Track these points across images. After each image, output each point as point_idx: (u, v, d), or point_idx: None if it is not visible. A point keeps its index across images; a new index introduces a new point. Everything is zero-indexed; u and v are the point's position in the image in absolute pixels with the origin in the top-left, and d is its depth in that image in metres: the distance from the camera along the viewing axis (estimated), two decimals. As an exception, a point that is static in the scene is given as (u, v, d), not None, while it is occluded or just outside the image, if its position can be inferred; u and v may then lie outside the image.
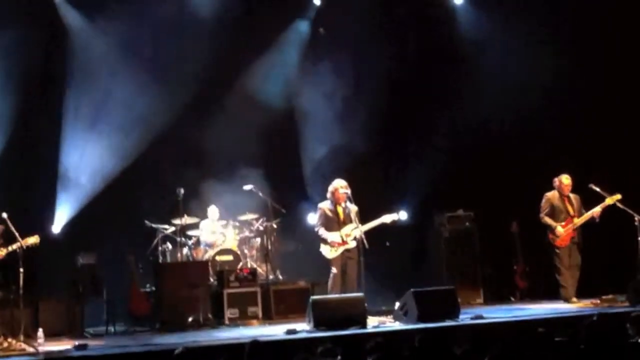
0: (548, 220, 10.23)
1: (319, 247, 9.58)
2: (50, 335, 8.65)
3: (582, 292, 10.14)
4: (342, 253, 9.46)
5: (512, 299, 11.57)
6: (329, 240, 9.45)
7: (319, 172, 12.01)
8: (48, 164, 10.98)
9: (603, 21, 11.38)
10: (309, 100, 12.14)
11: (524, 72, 11.45)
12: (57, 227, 10.92)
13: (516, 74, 11.46)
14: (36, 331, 8.37)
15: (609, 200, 9.98)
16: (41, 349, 8.00)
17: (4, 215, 8.53)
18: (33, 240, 8.53)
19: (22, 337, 8.31)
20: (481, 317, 8.85)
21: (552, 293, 10.45)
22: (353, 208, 9.52)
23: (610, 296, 9.83)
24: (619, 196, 9.97)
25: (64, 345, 8.30)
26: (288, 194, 11.81)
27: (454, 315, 8.71)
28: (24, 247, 8.41)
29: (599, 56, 11.43)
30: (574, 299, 10.04)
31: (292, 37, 12.54)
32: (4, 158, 10.56)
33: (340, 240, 9.44)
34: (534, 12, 11.74)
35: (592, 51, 11.43)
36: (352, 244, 9.42)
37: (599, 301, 9.75)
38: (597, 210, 10.04)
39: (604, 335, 5.46)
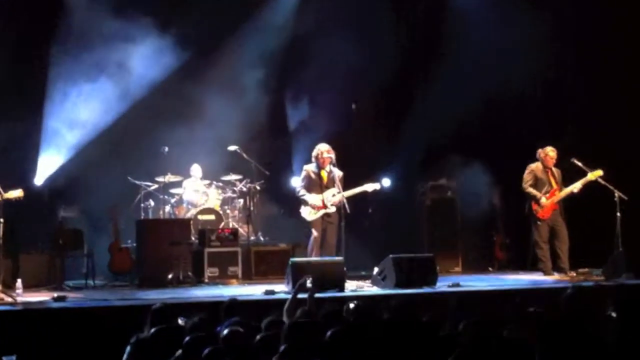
0: (532, 190, 10.08)
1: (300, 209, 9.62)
2: (29, 287, 8.67)
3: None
4: (322, 217, 9.49)
5: (490, 269, 11.71)
6: (309, 203, 9.48)
7: (305, 137, 11.99)
8: (32, 116, 10.88)
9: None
10: (299, 65, 12.05)
11: (508, 41, 11.35)
12: (39, 180, 10.86)
13: (500, 43, 11.36)
14: (15, 282, 8.38)
15: (590, 176, 9.90)
16: (20, 299, 8.02)
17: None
18: (16, 194, 8.44)
19: (0, 287, 8.32)
20: (458, 285, 8.96)
21: (531, 266, 10.54)
22: (338, 173, 9.53)
23: (585, 270, 9.97)
24: (600, 172, 9.90)
25: (42, 296, 8.33)
26: (272, 157, 11.80)
27: (432, 282, 8.81)
28: (5, 199, 8.37)
29: (586, 23, 11.22)
30: (554, 273, 9.98)
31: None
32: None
33: (321, 204, 9.47)
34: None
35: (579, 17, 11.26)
36: (332, 209, 9.44)
37: (574, 274, 9.86)
38: (578, 185, 9.96)
39: (577, 307, 5.55)
